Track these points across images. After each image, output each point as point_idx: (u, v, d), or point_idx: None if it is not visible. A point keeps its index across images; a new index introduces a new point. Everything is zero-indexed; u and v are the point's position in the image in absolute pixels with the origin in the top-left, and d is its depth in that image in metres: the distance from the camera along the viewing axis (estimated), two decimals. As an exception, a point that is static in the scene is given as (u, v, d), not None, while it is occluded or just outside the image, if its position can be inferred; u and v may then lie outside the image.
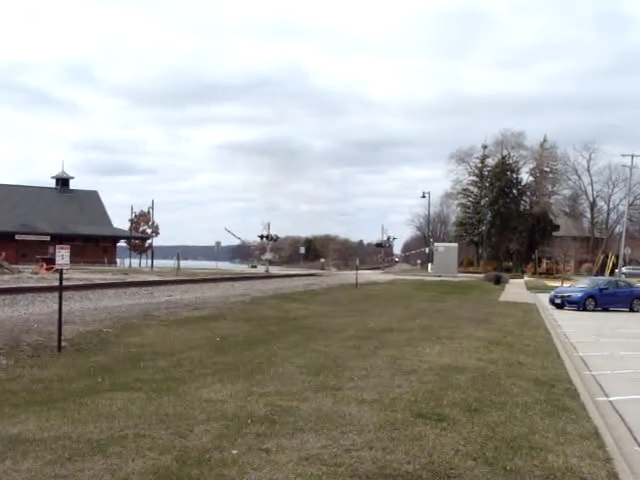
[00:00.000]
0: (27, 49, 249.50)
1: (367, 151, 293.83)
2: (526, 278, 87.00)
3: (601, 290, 38.44)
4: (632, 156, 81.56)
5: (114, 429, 8.08)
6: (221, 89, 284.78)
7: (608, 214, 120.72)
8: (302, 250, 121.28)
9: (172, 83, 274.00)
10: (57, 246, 14.82)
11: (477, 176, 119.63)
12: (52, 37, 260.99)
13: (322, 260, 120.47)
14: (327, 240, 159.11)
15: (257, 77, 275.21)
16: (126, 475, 6.48)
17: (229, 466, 6.82)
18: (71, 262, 15.12)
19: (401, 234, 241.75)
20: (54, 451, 7.16)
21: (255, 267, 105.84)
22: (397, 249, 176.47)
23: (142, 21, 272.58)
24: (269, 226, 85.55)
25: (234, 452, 7.28)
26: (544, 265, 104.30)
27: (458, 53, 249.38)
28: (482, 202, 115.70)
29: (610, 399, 12.21)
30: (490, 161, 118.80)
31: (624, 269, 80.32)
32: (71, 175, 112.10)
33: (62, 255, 14.41)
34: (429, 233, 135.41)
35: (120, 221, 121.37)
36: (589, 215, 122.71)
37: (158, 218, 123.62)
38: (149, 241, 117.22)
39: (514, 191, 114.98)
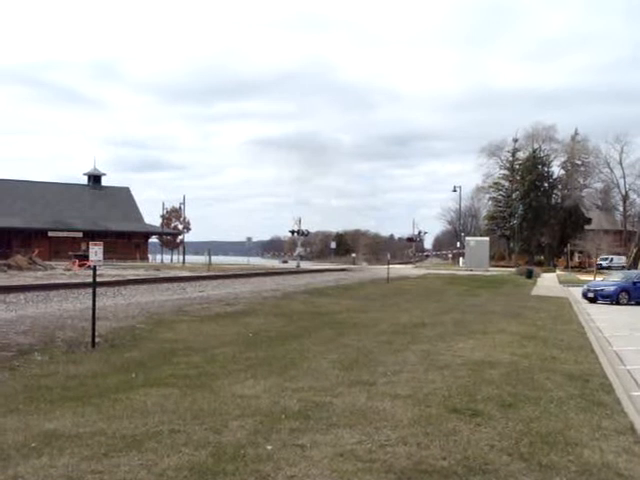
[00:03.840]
0: (56, 47, 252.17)
1: (396, 145, 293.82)
2: (558, 272, 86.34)
3: (635, 284, 37.94)
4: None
5: (149, 425, 8.12)
6: (248, 84, 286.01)
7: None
8: (333, 245, 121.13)
9: (199, 79, 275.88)
10: (90, 243, 14.95)
11: (508, 170, 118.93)
12: (80, 35, 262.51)
13: (353, 255, 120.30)
14: (358, 235, 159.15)
15: (284, 72, 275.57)
16: (162, 471, 6.50)
17: (264, 462, 6.82)
18: (104, 258, 15.22)
19: (432, 228, 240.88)
20: (90, 447, 7.21)
21: (286, 262, 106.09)
22: (428, 243, 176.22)
23: (168, 18, 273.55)
24: (300, 221, 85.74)
25: (269, 448, 7.29)
26: (576, 259, 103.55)
27: (487, 46, 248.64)
28: (513, 196, 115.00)
29: (646, 394, 12.07)
30: (521, 154, 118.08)
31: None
32: (103, 172, 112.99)
33: (95, 252, 14.52)
34: (460, 227, 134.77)
35: (152, 217, 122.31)
36: (621, 208, 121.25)
37: (189, 214, 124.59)
38: (180, 237, 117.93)
39: (545, 184, 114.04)
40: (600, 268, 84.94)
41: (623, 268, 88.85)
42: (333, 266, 79.64)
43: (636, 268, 74.28)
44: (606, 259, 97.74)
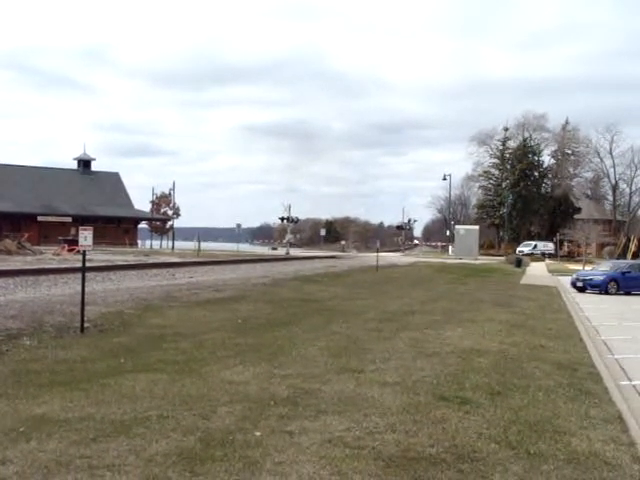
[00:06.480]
0: (45, 32, 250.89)
1: (387, 133, 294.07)
2: (547, 261, 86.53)
3: (623, 273, 38.12)
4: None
5: (137, 410, 8.11)
6: (239, 71, 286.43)
7: (630, 197, 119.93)
8: (322, 232, 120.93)
9: (190, 65, 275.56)
10: (80, 228, 14.88)
11: (498, 158, 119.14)
12: (70, 20, 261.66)
13: (342, 242, 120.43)
14: (347, 222, 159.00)
15: (276, 59, 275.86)
16: (150, 456, 6.49)
17: (253, 448, 6.83)
18: (93, 243, 15.16)
19: (422, 217, 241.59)
20: (78, 432, 7.20)
21: (276, 249, 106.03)
22: (417, 232, 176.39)
23: (160, 4, 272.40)
24: (290, 208, 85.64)
25: (257, 434, 7.29)
26: (565, 248, 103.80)
27: (479, 35, 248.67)
28: (503, 184, 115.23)
29: (633, 383, 12.10)
30: (511, 143, 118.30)
31: None
32: (92, 157, 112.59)
33: (85, 237, 14.46)
34: (450, 216, 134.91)
35: (141, 203, 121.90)
36: (611, 198, 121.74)
37: (179, 200, 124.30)
38: (170, 223, 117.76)
39: (535, 173, 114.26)
40: (525, 255, 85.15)
41: (551, 256, 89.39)
42: (322, 253, 79.67)
43: (625, 258, 74.61)
44: (529, 245, 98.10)
